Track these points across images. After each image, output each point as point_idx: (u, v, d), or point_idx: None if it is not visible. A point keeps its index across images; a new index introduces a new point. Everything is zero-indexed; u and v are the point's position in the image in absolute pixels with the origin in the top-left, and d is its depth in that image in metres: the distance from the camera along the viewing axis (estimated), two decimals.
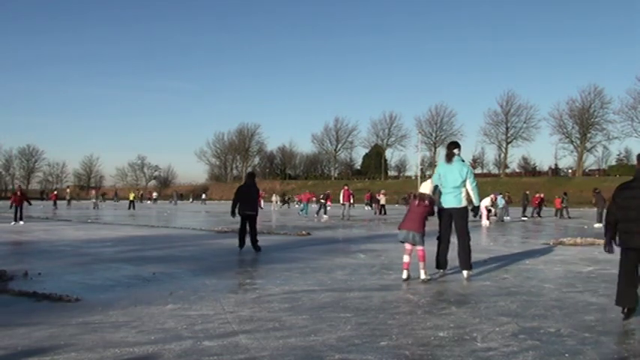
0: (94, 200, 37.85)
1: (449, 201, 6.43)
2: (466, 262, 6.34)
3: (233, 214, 9.29)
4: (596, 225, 18.75)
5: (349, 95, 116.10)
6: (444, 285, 5.88)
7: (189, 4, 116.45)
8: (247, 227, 9.32)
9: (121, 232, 13.73)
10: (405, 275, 6.14)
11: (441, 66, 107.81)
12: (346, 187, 22.63)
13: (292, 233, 13.21)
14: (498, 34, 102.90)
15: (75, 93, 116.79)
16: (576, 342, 3.53)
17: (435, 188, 6.49)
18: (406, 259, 6.20)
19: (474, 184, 6.47)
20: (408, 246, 6.22)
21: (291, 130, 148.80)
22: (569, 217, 24.55)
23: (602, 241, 10.73)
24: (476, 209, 7.43)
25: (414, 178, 69.34)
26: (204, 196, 60.06)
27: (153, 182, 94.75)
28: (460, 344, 3.46)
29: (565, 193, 26.28)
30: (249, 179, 9.85)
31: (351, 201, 22.75)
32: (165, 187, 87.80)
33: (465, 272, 6.34)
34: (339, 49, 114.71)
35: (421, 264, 6.09)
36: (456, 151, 6.60)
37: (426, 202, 6.21)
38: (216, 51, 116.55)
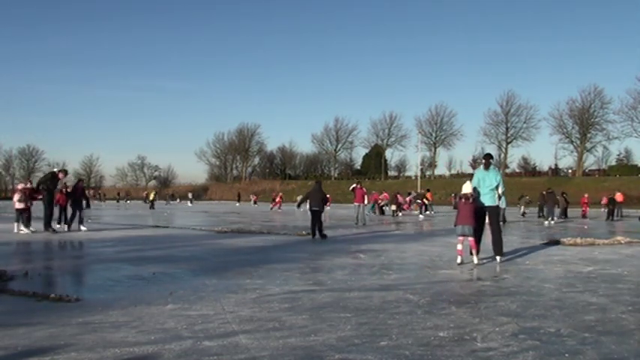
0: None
1: (485, 200, 7.82)
2: (499, 249, 7.80)
3: (298, 206, 14.02)
4: (546, 223, 19.46)
5: (349, 95, 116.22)
6: (444, 285, 5.88)
7: (190, 5, 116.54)
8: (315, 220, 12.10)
9: (121, 232, 13.72)
10: (459, 260, 7.52)
11: (441, 66, 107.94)
12: (359, 186, 18.62)
13: (292, 233, 13.21)
14: (498, 34, 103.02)
15: (75, 93, 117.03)
16: (576, 342, 3.54)
17: (474, 189, 7.84)
18: (460, 247, 7.59)
19: (504, 189, 7.97)
20: (461, 237, 7.57)
21: (291, 130, 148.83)
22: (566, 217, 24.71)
23: (602, 241, 10.80)
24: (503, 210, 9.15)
25: (414, 178, 69.30)
26: (190, 195, 60.01)
27: (153, 182, 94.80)
28: (460, 344, 3.46)
29: (564, 193, 26.39)
30: (316, 185, 13.00)
31: (366, 202, 19.29)
32: (166, 187, 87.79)
33: (497, 257, 7.80)
34: (340, 49, 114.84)
35: (473, 251, 7.56)
36: (491, 160, 8.08)
37: (471, 200, 7.62)
38: (217, 51, 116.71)
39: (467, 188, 7.79)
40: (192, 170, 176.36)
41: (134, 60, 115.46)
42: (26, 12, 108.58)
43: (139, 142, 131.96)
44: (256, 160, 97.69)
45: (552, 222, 19.60)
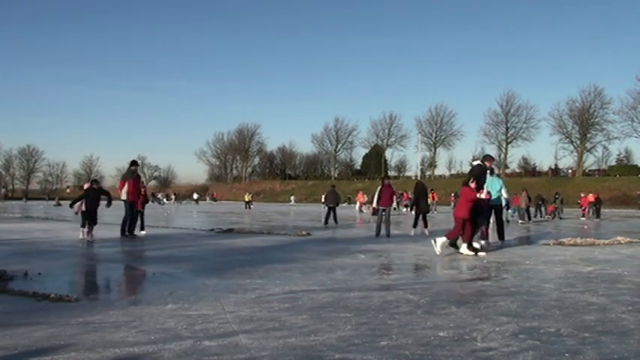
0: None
1: (493, 200, 10.33)
2: (501, 235, 10.72)
3: (324, 205, 17.17)
4: (521, 221, 20.37)
5: (349, 95, 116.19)
6: (444, 285, 5.88)
7: (190, 5, 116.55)
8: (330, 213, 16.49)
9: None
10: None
11: (441, 66, 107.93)
12: (387, 183, 13.51)
13: (292, 233, 13.21)
14: (498, 34, 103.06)
15: (75, 93, 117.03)
16: (576, 342, 3.53)
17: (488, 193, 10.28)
18: None
19: (506, 188, 11.22)
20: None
21: (291, 130, 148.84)
22: (560, 218, 24.86)
23: (602, 242, 10.79)
24: (507, 204, 13.57)
25: (414, 178, 69.23)
26: (195, 195, 59.57)
27: (153, 182, 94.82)
28: (460, 344, 3.46)
29: (557, 193, 27.02)
30: (332, 189, 18.59)
31: (394, 204, 16.04)
32: (166, 187, 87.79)
33: (500, 242, 10.49)
34: (339, 49, 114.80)
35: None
36: (494, 169, 11.18)
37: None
38: (217, 51, 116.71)
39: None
40: (193, 170, 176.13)
41: (134, 60, 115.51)
42: (26, 11, 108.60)
43: (139, 142, 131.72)
44: (256, 160, 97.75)
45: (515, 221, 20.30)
